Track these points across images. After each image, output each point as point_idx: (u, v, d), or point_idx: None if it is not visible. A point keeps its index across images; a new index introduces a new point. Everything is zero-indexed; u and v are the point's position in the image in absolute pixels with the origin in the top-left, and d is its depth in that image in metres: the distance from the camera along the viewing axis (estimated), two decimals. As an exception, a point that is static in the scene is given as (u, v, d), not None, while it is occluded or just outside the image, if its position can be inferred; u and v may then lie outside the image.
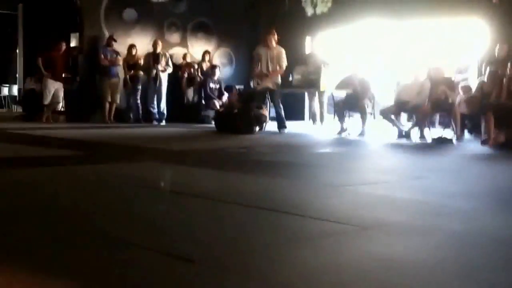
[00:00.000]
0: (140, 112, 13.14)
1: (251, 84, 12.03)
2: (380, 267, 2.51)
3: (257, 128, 10.69)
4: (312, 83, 12.21)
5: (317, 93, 12.37)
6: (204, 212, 3.65)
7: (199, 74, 13.82)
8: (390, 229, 3.23)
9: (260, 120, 10.70)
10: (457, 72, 11.00)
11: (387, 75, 12.82)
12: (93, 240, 2.85)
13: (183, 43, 14.54)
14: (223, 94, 13.49)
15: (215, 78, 13.59)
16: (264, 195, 4.25)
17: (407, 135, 9.63)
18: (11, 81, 19.12)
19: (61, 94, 12.91)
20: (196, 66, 13.96)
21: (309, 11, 12.05)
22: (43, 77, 12.66)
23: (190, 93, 13.86)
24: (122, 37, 13.25)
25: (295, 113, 13.56)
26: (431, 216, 3.64)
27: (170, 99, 13.30)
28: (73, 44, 13.67)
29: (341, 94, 11.21)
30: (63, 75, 12.85)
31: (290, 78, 12.20)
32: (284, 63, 10.85)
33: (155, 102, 13.07)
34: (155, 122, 12.91)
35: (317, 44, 13.88)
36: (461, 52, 11.97)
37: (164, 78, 13.12)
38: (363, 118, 10.44)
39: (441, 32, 12.67)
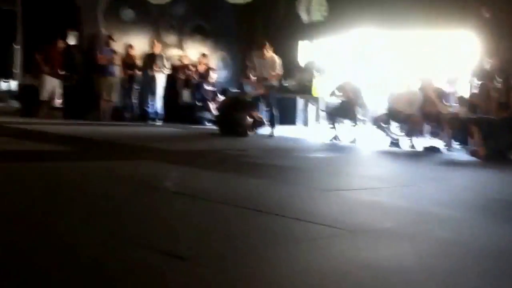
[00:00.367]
0: (136, 111, 13.31)
1: (244, 88, 12.23)
2: (365, 272, 2.52)
3: (252, 131, 10.82)
4: (305, 89, 12.38)
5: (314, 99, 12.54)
6: (195, 211, 3.66)
7: (195, 76, 13.97)
8: (378, 234, 3.26)
9: (242, 125, 10.68)
10: (447, 83, 11.18)
11: (380, 83, 12.99)
12: (83, 238, 2.82)
13: (180, 45, 14.69)
14: (217, 96, 13.65)
15: (211, 80, 13.74)
16: (255, 197, 4.27)
17: (398, 144, 9.77)
18: (10, 76, 19.21)
19: (59, 91, 13.04)
20: (192, 68, 14.11)
21: (305, 18, 12.18)
22: (40, 73, 12.77)
23: (186, 94, 13.99)
24: (120, 36, 13.38)
25: (288, 117, 13.71)
26: (419, 223, 3.67)
27: (166, 100, 13.45)
28: (71, 41, 13.77)
29: (334, 101, 11.35)
30: (61, 72, 12.94)
31: (285, 84, 12.34)
32: (279, 71, 11.06)
33: (151, 102, 13.23)
34: (150, 122, 13.05)
35: (312, 51, 14.07)
36: (452, 63, 12.14)
37: (160, 78, 13.27)
38: (355, 125, 10.59)
39: (434, 44, 12.84)
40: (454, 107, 10.27)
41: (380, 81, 13.11)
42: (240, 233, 3.12)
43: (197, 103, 13.59)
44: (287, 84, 12.34)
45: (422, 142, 9.94)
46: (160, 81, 13.26)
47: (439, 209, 4.17)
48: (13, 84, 18.71)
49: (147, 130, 11.53)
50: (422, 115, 9.74)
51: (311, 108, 13.06)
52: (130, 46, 13.25)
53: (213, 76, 13.76)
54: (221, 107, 11.43)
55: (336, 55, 14.09)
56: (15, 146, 7.12)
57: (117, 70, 13.04)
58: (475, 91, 10.52)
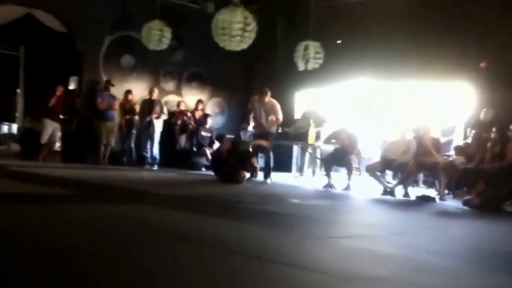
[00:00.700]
0: (134, 155, 13.44)
1: (241, 135, 12.36)
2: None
3: (247, 177, 10.90)
4: (300, 137, 12.50)
5: (309, 147, 12.64)
6: (189, 256, 3.66)
7: (192, 122, 14.13)
8: (372, 282, 3.26)
9: (238, 173, 10.57)
10: (443, 135, 11.30)
11: (374, 132, 13.14)
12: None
13: (177, 91, 14.94)
14: (214, 142, 13.78)
15: (207, 126, 13.91)
16: (248, 243, 4.29)
17: (391, 192, 9.79)
18: (12, 119, 19.40)
19: (59, 134, 13.18)
20: (189, 114, 14.27)
21: (301, 66, 12.37)
22: (41, 117, 12.92)
23: (183, 139, 14.12)
24: (119, 82, 13.59)
25: (283, 164, 13.82)
26: (413, 271, 3.66)
27: (163, 145, 13.59)
28: (72, 86, 13.97)
29: (329, 148, 11.43)
30: (61, 116, 13.09)
31: (285, 129, 12.46)
32: (280, 115, 11.19)
33: (148, 147, 13.36)
34: (147, 166, 13.14)
35: (308, 100, 14.27)
36: (447, 114, 12.29)
37: (157, 124, 13.44)
38: (349, 173, 10.63)
39: (429, 94, 13.02)
40: (450, 156, 10.38)
41: (375, 129, 13.26)
42: (230, 279, 3.12)
43: (193, 148, 13.72)
44: (287, 129, 12.43)
45: (415, 191, 10.01)
46: (158, 126, 13.43)
47: (433, 258, 4.18)
48: (14, 127, 18.88)
49: (144, 174, 11.64)
50: (416, 163, 9.83)
51: (307, 155, 13.17)
52: (129, 92, 13.45)
53: (209, 122, 13.94)
54: (218, 154, 11.49)
55: (332, 104, 14.30)
56: (15, 188, 7.19)
57: (116, 115, 13.22)
58: (470, 141, 10.63)
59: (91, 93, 13.32)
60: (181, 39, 14.27)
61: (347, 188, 10.42)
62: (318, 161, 12.51)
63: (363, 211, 8.26)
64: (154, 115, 13.29)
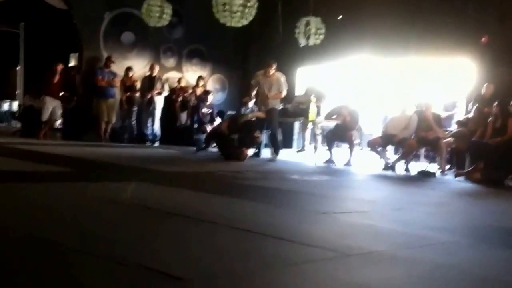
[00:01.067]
0: (135, 132, 13.44)
1: (242, 111, 12.32)
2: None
3: (251, 153, 10.87)
4: (301, 113, 12.47)
5: (310, 123, 12.62)
6: (188, 232, 3.66)
7: (193, 98, 14.11)
8: (371, 257, 3.26)
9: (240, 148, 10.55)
10: (444, 110, 11.30)
11: (376, 107, 13.12)
12: (80, 258, 2.82)
13: (178, 68, 14.91)
14: (214, 119, 13.77)
15: (208, 103, 13.89)
16: (249, 219, 4.29)
17: (392, 167, 9.86)
18: (12, 97, 19.39)
19: (59, 112, 13.17)
20: (190, 91, 14.25)
21: (302, 42, 12.31)
22: (42, 94, 12.90)
23: (183, 116, 14.12)
24: (120, 59, 13.57)
25: (285, 141, 13.81)
26: (413, 247, 3.66)
27: (163, 122, 13.59)
28: (72, 63, 13.95)
29: (331, 124, 11.44)
30: (61, 94, 13.07)
31: (286, 106, 12.42)
32: (284, 89, 11.06)
33: (149, 124, 13.35)
34: (148, 143, 13.16)
35: (310, 76, 14.23)
36: (449, 90, 12.27)
37: (158, 101, 13.42)
38: (351, 148, 10.66)
39: (430, 70, 12.98)
40: (452, 129, 10.40)
41: (376, 105, 13.24)
42: (233, 255, 3.13)
43: (194, 125, 13.71)
44: (287, 106, 12.40)
45: (416, 166, 10.02)
46: (158, 103, 13.41)
47: (433, 233, 4.17)
48: (14, 105, 18.89)
49: (145, 151, 11.64)
50: (417, 139, 9.83)
51: (308, 131, 13.16)
52: (129, 69, 13.41)
53: (210, 99, 13.92)
54: (217, 132, 11.44)
55: (334, 79, 14.26)
56: (15, 166, 7.18)
57: (117, 92, 13.20)
58: (471, 116, 10.63)
59: (91, 70, 13.28)
60: (181, 15, 14.19)
61: (348, 163, 10.45)
62: (319, 137, 12.48)
63: (364, 187, 8.27)
64: (155, 92, 13.26)
